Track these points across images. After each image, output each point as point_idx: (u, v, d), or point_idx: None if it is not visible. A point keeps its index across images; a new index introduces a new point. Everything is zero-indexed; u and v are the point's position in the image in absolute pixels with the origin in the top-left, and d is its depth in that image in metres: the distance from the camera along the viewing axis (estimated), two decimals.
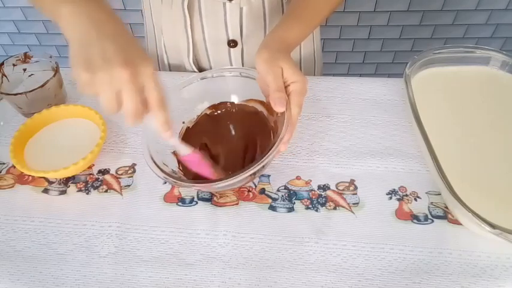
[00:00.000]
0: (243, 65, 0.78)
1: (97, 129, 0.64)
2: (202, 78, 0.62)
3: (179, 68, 0.81)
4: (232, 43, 0.74)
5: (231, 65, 0.78)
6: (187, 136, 0.62)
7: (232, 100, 0.64)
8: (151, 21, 0.80)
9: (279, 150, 0.52)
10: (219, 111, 0.64)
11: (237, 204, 0.58)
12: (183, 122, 0.63)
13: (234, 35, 0.73)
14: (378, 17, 1.52)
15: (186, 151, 0.55)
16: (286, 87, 0.54)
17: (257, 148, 0.60)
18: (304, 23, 0.62)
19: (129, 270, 0.53)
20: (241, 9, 0.70)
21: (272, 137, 0.60)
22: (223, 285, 0.51)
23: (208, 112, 0.64)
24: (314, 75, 0.88)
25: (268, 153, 0.50)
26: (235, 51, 0.76)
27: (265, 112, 0.62)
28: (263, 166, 0.50)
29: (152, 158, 0.54)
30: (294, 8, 0.63)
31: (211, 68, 0.80)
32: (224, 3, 0.69)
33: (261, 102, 0.62)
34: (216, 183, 0.52)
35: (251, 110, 0.63)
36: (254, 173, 0.50)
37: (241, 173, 0.49)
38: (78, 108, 0.66)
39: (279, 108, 0.52)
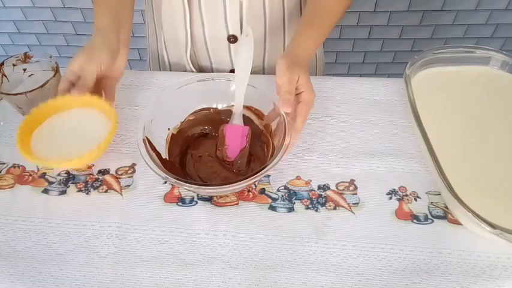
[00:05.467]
0: None
1: (105, 119, 0.61)
2: (198, 81, 0.63)
3: (179, 66, 0.81)
4: (232, 38, 0.74)
5: (231, 60, 0.78)
6: (173, 142, 0.62)
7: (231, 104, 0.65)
8: (152, 18, 0.80)
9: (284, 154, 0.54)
10: (201, 117, 0.65)
11: (237, 204, 0.58)
12: (168, 129, 0.63)
13: (233, 30, 0.73)
14: (378, 17, 1.52)
15: (240, 121, 0.61)
16: (297, 94, 0.58)
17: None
18: (320, 30, 0.66)
19: (128, 270, 0.53)
20: (241, 3, 0.70)
21: (263, 138, 0.62)
22: (223, 285, 0.51)
23: (191, 118, 0.65)
24: (316, 75, 0.88)
25: (275, 160, 0.52)
26: (235, 47, 0.76)
27: (252, 116, 0.63)
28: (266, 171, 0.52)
29: (151, 157, 0.54)
30: (309, 16, 0.66)
31: (211, 64, 0.80)
32: None
33: (248, 108, 0.63)
34: (218, 187, 0.53)
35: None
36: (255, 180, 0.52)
37: (245, 180, 0.51)
38: (86, 98, 0.60)
39: (285, 108, 0.55)
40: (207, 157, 0.62)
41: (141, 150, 0.54)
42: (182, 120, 0.64)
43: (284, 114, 0.56)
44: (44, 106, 0.61)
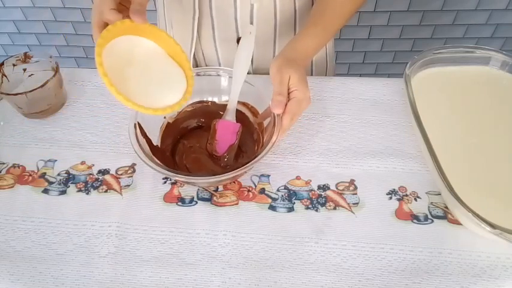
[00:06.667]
0: (252, 64, 0.78)
1: (166, 55, 0.52)
2: (197, 74, 0.63)
3: None
4: None
5: None
6: (167, 131, 0.63)
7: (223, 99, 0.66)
8: (163, 16, 0.80)
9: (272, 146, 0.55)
10: (198, 109, 0.66)
11: (236, 204, 0.58)
12: (164, 117, 0.64)
13: (243, 32, 0.73)
14: (378, 17, 1.52)
15: (233, 117, 0.61)
16: (290, 93, 0.57)
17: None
18: (323, 30, 0.64)
19: (129, 270, 0.53)
20: (251, 6, 0.70)
21: (255, 136, 0.63)
22: (223, 285, 0.51)
23: (188, 109, 0.66)
24: (326, 75, 0.87)
25: (258, 157, 0.53)
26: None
27: (247, 113, 0.64)
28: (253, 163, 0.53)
29: (144, 151, 0.55)
30: (313, 16, 0.65)
31: (219, 66, 0.80)
32: None
33: (244, 104, 0.64)
34: (211, 177, 0.54)
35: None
36: (245, 169, 0.53)
37: (226, 173, 0.52)
38: (145, 26, 0.49)
39: (276, 110, 0.56)
40: (197, 148, 0.63)
41: (130, 134, 0.55)
42: (179, 111, 0.65)
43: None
44: (114, 28, 0.48)
